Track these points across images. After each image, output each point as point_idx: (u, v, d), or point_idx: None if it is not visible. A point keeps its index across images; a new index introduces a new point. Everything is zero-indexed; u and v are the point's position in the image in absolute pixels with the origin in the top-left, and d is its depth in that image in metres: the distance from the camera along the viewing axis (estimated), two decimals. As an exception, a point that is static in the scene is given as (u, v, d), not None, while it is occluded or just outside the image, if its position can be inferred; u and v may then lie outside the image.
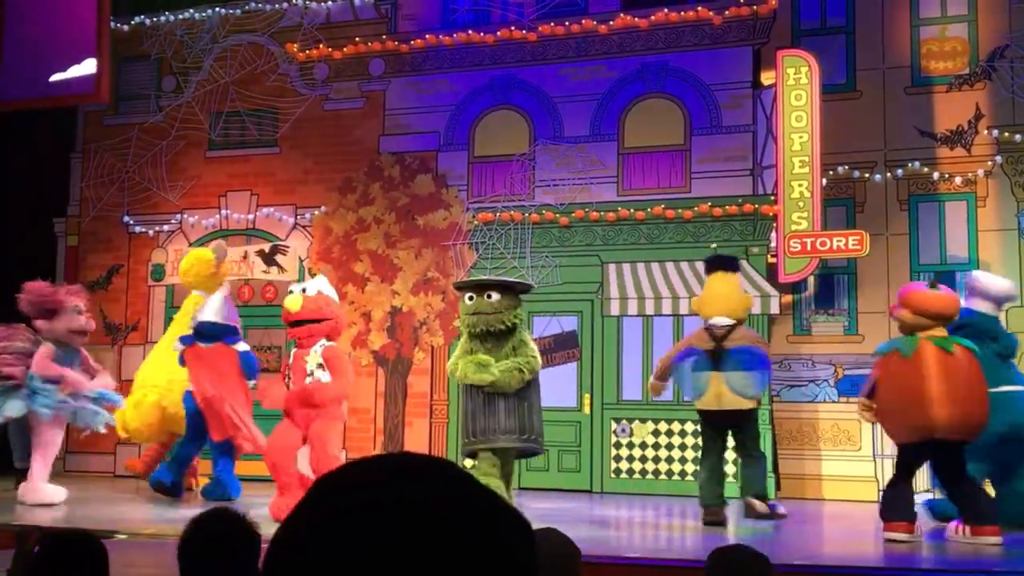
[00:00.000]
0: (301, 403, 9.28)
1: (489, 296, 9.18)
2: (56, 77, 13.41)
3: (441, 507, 1.01)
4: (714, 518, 8.96)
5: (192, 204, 14.73)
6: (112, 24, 14.09)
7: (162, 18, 15.12)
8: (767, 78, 12.90)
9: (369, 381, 13.53)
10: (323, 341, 9.49)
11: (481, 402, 9.05)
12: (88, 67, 13.07)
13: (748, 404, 8.91)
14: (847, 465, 12.28)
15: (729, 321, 9.06)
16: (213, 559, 3.22)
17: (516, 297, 9.38)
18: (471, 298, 9.23)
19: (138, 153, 14.98)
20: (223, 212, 14.60)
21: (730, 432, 9.21)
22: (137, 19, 15.15)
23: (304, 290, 9.64)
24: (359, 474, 1.07)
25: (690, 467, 12.31)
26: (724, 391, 8.82)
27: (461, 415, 9.63)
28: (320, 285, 9.80)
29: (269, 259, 14.24)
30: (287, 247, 14.25)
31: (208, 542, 3.25)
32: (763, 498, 8.93)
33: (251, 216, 14.49)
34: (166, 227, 14.79)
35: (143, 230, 14.83)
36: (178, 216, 14.73)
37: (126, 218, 14.92)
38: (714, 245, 12.20)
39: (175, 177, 14.84)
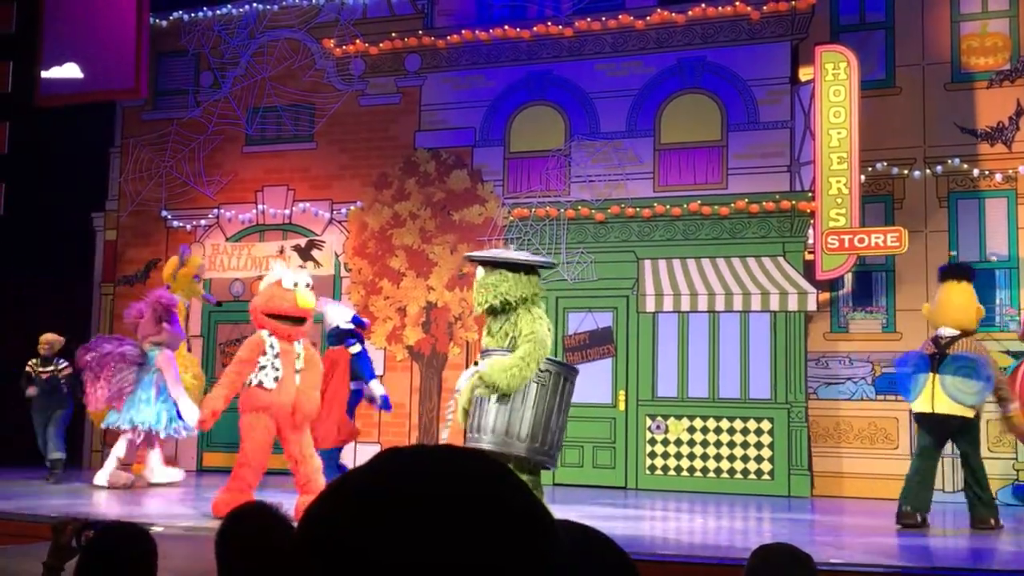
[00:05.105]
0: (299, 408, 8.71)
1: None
2: (45, 75, 13.47)
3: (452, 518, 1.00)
4: (908, 522, 8.80)
5: (229, 199, 14.81)
6: (151, 19, 14.22)
7: (200, 13, 15.21)
8: (805, 74, 12.81)
9: (404, 376, 13.57)
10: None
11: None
12: (68, 70, 13.09)
13: (963, 411, 8.86)
14: (884, 463, 12.17)
15: (955, 332, 9.10)
16: (251, 552, 3.22)
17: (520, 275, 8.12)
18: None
19: (176, 148, 15.08)
20: (259, 207, 14.67)
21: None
22: (175, 14, 15.25)
23: (308, 284, 9.04)
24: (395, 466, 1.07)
25: (725, 464, 12.25)
26: (939, 395, 8.82)
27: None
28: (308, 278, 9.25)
29: (305, 254, 14.30)
30: (323, 242, 14.30)
31: (246, 535, 3.25)
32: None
33: (287, 211, 14.55)
34: (203, 222, 14.88)
35: (181, 224, 14.93)
36: (215, 211, 14.82)
37: (164, 212, 15.02)
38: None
39: (212, 172, 14.93)
